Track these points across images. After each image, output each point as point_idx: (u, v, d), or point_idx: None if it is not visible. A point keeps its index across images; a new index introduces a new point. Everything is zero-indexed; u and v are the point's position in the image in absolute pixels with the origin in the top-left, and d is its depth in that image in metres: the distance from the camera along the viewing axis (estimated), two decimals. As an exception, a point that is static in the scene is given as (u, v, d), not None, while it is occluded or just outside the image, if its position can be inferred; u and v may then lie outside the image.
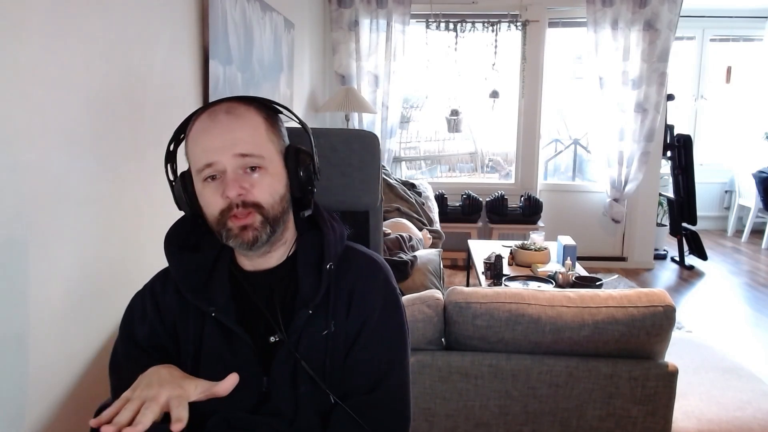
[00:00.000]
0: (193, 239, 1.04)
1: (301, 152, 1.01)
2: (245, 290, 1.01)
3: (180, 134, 1.02)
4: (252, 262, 1.02)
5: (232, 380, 0.88)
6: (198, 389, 0.89)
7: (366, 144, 1.25)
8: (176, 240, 1.03)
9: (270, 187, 0.96)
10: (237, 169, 0.94)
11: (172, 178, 1.02)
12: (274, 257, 1.02)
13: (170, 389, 0.87)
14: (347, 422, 0.96)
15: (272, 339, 0.98)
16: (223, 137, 0.93)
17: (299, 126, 1.08)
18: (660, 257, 5.14)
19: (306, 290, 0.98)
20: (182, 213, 1.03)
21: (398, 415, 1.00)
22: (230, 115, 0.95)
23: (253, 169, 0.95)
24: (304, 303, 0.97)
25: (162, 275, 1.06)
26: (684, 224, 4.96)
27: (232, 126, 0.94)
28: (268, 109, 1.01)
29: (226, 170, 0.93)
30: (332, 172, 1.12)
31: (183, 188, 0.98)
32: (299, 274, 1.00)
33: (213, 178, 0.94)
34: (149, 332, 1.01)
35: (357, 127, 4.69)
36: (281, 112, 1.04)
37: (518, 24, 4.74)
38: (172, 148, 1.02)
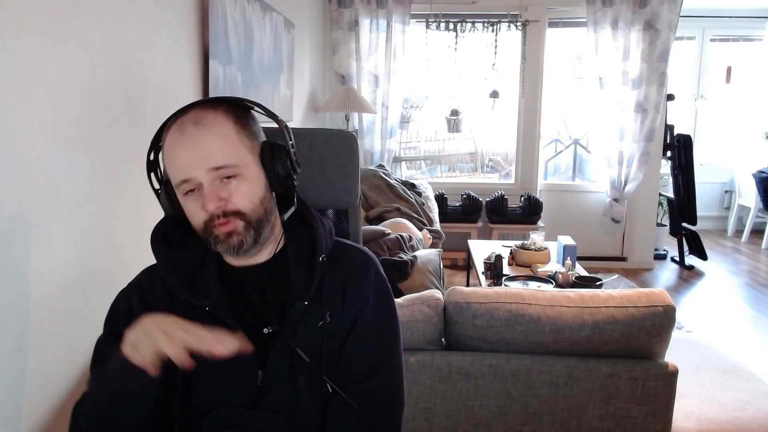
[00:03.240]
0: (179, 236, 1.04)
1: (276, 147, 0.99)
2: (235, 285, 1.01)
3: (157, 142, 1.01)
4: (240, 260, 1.02)
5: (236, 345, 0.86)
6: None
7: (344, 143, 1.26)
8: (163, 237, 1.03)
9: (249, 192, 0.96)
10: (213, 181, 0.93)
11: (156, 186, 1.02)
12: (264, 254, 1.02)
13: (170, 325, 0.86)
14: (345, 410, 0.97)
15: (265, 330, 0.98)
16: (193, 151, 0.92)
17: (276, 125, 1.07)
18: (660, 257, 5.14)
19: (299, 283, 0.99)
20: None
21: (393, 402, 1.03)
22: (197, 126, 0.93)
23: (229, 177, 0.94)
24: (299, 295, 0.98)
25: (147, 272, 1.06)
26: (684, 224, 4.96)
27: (200, 138, 0.93)
28: (238, 109, 0.99)
29: (201, 183, 0.93)
30: (312, 172, 1.13)
31: (167, 197, 0.98)
32: (291, 267, 1.01)
33: (192, 190, 0.94)
34: None
35: (357, 128, 4.69)
36: (253, 109, 1.02)
37: (518, 24, 4.74)
38: (152, 157, 1.01)
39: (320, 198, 1.23)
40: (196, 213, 0.95)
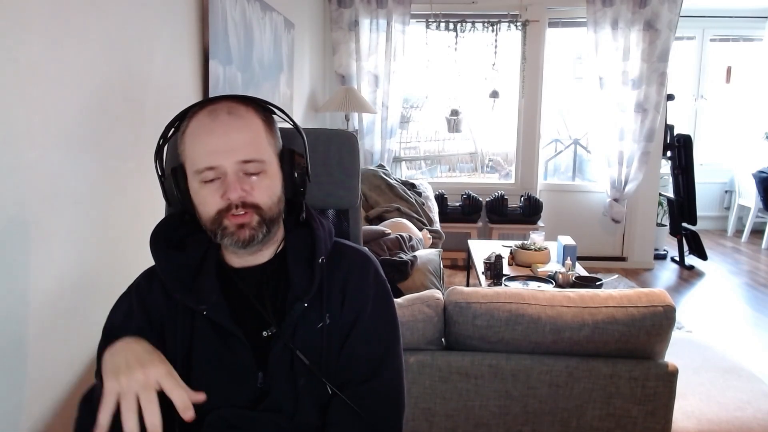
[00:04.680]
0: (179, 238, 1.04)
1: (296, 155, 1.02)
2: (234, 287, 1.01)
3: (171, 129, 1.02)
4: (241, 259, 1.02)
5: (200, 398, 0.88)
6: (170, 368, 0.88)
7: (345, 143, 1.26)
8: (162, 239, 1.03)
9: (269, 189, 0.97)
10: (238, 172, 0.94)
11: (161, 173, 1.03)
12: (265, 254, 1.03)
13: (154, 367, 0.86)
14: (345, 412, 0.97)
15: (265, 333, 0.98)
16: (225, 139, 0.94)
17: (290, 126, 1.08)
18: (660, 257, 5.14)
19: (299, 284, 0.99)
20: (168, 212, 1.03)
21: (394, 403, 1.02)
22: (232, 116, 0.96)
23: (253, 172, 0.96)
24: (298, 296, 0.98)
25: (147, 275, 1.06)
26: (684, 224, 4.96)
27: (233, 128, 0.95)
28: (265, 111, 1.02)
29: (227, 173, 0.94)
30: (312, 172, 1.14)
31: (175, 184, 0.98)
32: (290, 269, 1.01)
33: (212, 180, 0.95)
34: (136, 331, 0.98)
35: (357, 128, 4.69)
36: (276, 113, 1.04)
37: (518, 24, 4.74)
38: (161, 142, 1.02)
39: (320, 198, 1.24)
40: (211, 201, 0.95)
